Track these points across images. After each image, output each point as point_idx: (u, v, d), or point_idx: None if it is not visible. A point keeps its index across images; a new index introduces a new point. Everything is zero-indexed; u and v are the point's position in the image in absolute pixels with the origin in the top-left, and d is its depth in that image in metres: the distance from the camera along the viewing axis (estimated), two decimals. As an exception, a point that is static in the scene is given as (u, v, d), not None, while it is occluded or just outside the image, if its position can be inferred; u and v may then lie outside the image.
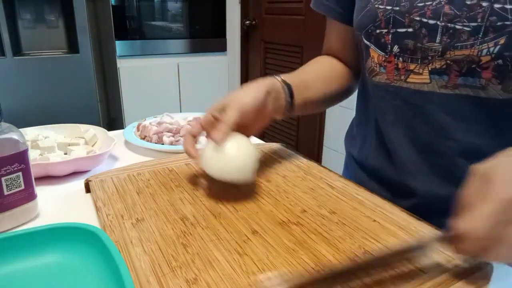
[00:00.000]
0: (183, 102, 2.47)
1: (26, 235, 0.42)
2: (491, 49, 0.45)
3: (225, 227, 0.45)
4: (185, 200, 0.52)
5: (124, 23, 2.19)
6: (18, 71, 1.83)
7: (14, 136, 0.47)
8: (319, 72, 0.68)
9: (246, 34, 2.59)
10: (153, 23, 2.32)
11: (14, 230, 0.45)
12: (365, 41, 0.57)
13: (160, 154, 0.74)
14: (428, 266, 0.39)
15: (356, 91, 0.72)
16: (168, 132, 0.81)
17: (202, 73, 2.48)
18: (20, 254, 0.41)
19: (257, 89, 0.55)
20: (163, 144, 0.78)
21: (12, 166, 0.47)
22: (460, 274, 0.37)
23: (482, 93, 0.48)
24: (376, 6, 0.54)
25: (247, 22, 2.51)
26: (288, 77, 0.61)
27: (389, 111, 0.57)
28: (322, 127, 2.10)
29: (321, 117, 2.09)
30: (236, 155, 0.50)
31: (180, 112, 1.31)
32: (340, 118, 1.94)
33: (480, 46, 0.46)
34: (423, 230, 0.45)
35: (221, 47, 2.53)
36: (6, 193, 0.47)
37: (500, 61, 0.45)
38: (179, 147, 0.76)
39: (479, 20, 0.45)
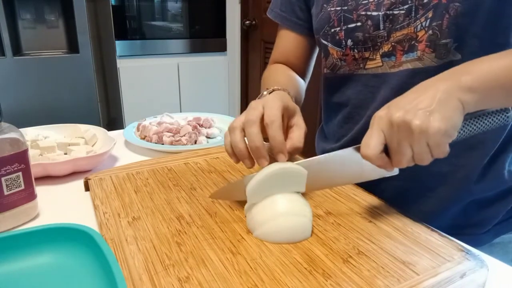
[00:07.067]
0: (183, 102, 2.48)
1: (21, 236, 0.42)
2: (423, 23, 0.54)
3: (220, 227, 0.46)
4: (182, 199, 0.53)
5: (124, 23, 2.19)
6: (18, 71, 1.83)
7: (14, 136, 0.47)
8: (299, 83, 0.73)
9: (246, 34, 2.59)
10: (153, 23, 2.32)
11: (11, 231, 0.45)
12: (323, 41, 0.65)
13: (160, 154, 0.75)
14: (421, 268, 0.39)
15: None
16: (168, 132, 0.81)
17: (202, 73, 2.49)
18: (15, 254, 0.41)
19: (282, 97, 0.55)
20: (163, 144, 0.79)
21: (12, 166, 0.47)
22: (454, 276, 0.38)
23: (419, 64, 0.56)
24: (328, 9, 0.62)
25: (247, 22, 2.51)
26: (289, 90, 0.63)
27: (352, 97, 0.65)
28: (321, 127, 2.10)
29: (321, 117, 2.09)
30: (292, 217, 0.44)
31: (180, 112, 1.32)
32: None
33: (415, 23, 0.54)
34: (419, 231, 0.45)
35: (221, 47, 2.53)
36: (6, 193, 0.47)
37: (430, 32, 0.53)
38: (179, 147, 0.76)
39: (409, 2, 0.54)
